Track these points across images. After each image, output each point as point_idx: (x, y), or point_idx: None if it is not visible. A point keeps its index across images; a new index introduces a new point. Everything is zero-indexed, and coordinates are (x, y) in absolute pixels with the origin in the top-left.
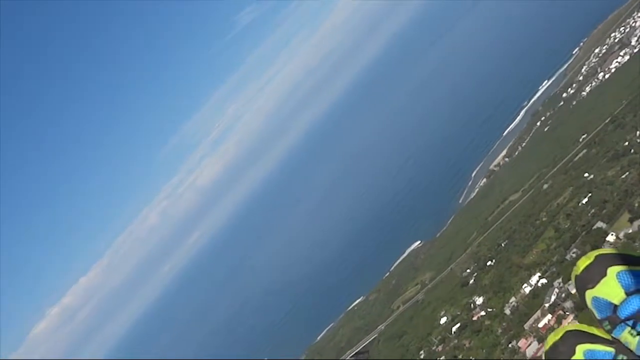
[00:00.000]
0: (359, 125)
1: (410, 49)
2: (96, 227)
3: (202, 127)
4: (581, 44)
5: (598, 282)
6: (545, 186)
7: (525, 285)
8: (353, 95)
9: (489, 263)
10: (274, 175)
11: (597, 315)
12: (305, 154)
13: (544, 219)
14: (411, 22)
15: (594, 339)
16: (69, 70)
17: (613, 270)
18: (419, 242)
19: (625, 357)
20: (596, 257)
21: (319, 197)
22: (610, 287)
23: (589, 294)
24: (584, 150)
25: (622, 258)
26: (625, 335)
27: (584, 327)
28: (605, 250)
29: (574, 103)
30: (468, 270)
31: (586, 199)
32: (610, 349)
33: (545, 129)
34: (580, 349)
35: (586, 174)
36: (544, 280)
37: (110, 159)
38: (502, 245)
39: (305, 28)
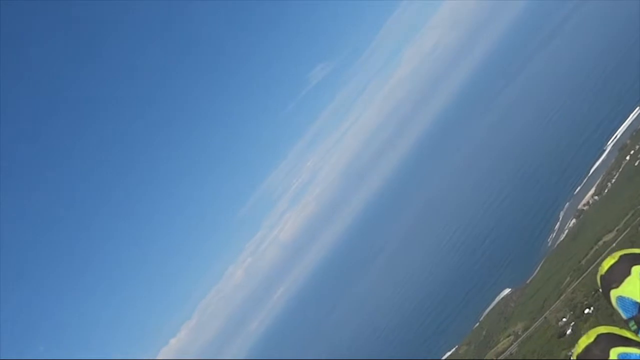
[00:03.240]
0: (436, 172)
1: (484, 88)
2: (183, 289)
3: (281, 183)
4: None
5: (622, 281)
6: None
7: None
8: (430, 141)
9: (586, 311)
10: (355, 225)
11: (623, 315)
12: (385, 201)
13: None
14: (485, 60)
15: (627, 342)
16: (154, 136)
17: (637, 269)
18: (508, 289)
19: None
20: (620, 256)
21: (400, 247)
22: (635, 286)
23: (614, 294)
24: None
25: None
26: None
27: (616, 330)
28: (630, 249)
29: None
30: (564, 320)
31: None
32: None
33: (636, 163)
34: (615, 352)
35: None
36: None
37: (193, 221)
38: (601, 291)
39: (376, 79)
